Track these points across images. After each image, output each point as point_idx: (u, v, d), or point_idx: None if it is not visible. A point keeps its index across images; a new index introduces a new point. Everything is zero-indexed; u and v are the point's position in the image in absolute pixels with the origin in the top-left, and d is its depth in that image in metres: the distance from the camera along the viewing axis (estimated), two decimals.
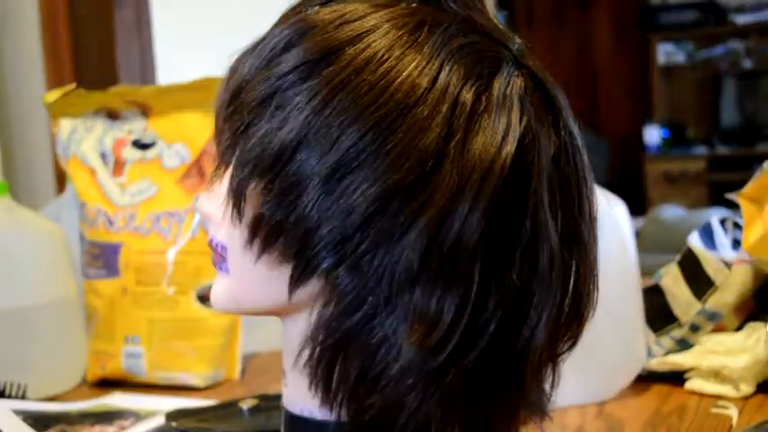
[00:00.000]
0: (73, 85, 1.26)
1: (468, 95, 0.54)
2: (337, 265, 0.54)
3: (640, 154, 5.95)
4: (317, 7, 0.58)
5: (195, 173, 1.21)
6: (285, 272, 0.56)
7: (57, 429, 1.01)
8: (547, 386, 0.60)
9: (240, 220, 0.57)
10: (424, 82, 0.54)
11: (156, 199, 1.20)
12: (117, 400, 1.13)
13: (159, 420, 1.00)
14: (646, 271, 1.17)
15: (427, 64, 0.54)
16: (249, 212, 0.56)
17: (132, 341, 1.19)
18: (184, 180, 1.21)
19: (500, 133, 0.54)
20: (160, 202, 1.20)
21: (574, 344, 0.61)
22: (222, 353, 1.20)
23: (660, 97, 6.04)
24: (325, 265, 0.55)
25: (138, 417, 1.05)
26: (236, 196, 0.57)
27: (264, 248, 0.56)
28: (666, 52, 6.03)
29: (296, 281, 0.56)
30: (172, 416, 0.97)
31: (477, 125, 0.54)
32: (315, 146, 0.53)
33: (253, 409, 0.96)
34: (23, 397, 1.08)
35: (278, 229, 0.55)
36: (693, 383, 1.04)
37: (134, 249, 1.19)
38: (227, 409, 0.98)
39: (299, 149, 0.54)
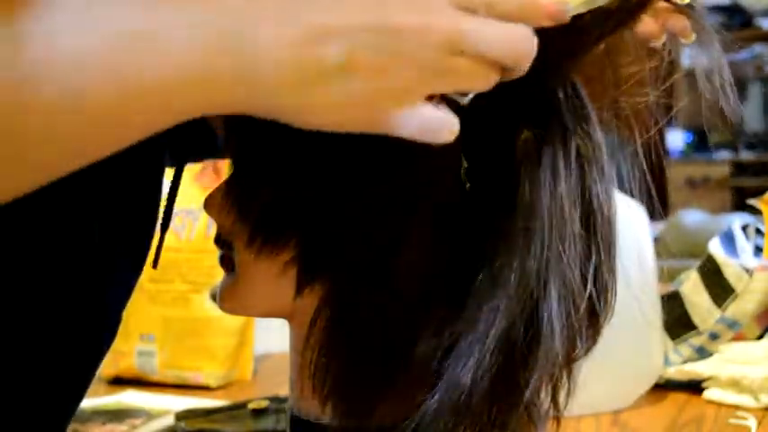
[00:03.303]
0: None
1: None
2: (343, 270, 0.54)
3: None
4: None
5: (212, 170, 1.20)
6: (291, 274, 0.55)
7: (68, 428, 1.01)
8: (562, 394, 0.59)
9: (246, 220, 0.56)
10: None
11: None
12: (130, 398, 1.13)
13: (170, 420, 1.00)
14: (665, 277, 1.15)
15: None
16: (255, 211, 0.56)
17: (147, 339, 1.18)
18: (201, 177, 1.20)
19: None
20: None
21: (589, 349, 0.59)
22: (235, 353, 1.19)
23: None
24: (330, 269, 0.54)
25: (149, 416, 1.05)
26: (243, 195, 0.56)
27: (269, 249, 0.55)
28: (691, 56, 5.98)
29: (301, 284, 0.55)
30: (181, 416, 0.97)
31: None
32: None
33: (262, 411, 0.95)
34: None
35: (284, 231, 0.55)
36: (711, 393, 1.03)
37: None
38: (237, 411, 0.98)
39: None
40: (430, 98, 0.45)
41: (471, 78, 0.45)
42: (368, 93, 0.43)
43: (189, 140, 0.74)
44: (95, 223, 0.61)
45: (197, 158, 0.86)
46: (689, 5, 0.59)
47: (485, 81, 0.46)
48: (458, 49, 0.44)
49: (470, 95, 0.47)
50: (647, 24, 0.58)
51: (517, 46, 0.45)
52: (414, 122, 0.44)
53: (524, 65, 0.46)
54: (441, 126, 0.45)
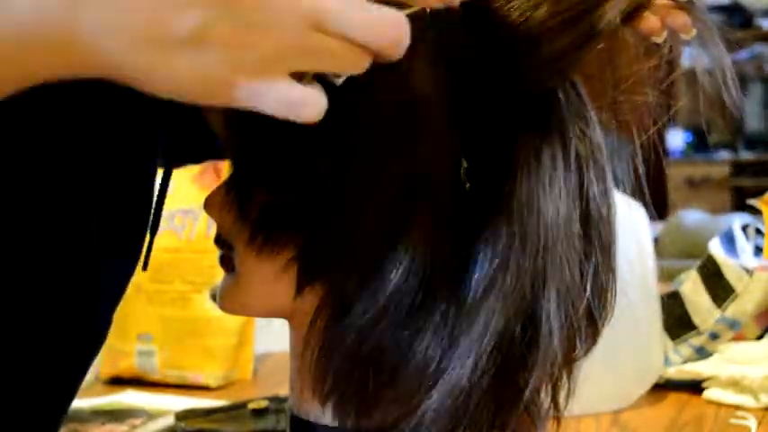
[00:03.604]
0: None
1: None
2: (343, 270, 0.54)
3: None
4: None
5: (212, 170, 1.20)
6: (291, 274, 0.55)
7: (68, 428, 1.01)
8: (562, 394, 0.59)
9: (246, 220, 0.56)
10: None
11: (171, 196, 1.19)
12: (129, 398, 1.13)
13: (169, 420, 1.00)
14: (665, 277, 1.15)
15: None
16: (255, 211, 0.56)
17: (145, 339, 1.19)
18: (201, 177, 1.20)
19: None
20: (175, 200, 1.19)
21: (589, 349, 0.59)
22: (235, 352, 1.19)
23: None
24: (330, 269, 0.54)
25: (149, 416, 1.05)
26: (243, 195, 0.56)
27: (269, 249, 0.55)
28: (691, 55, 5.97)
29: (301, 284, 0.55)
30: (181, 416, 0.97)
31: None
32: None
33: (262, 411, 0.95)
34: None
35: (284, 231, 0.55)
36: (711, 393, 1.03)
37: None
38: (237, 411, 0.98)
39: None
40: (299, 77, 0.43)
41: (338, 60, 0.43)
42: (220, 65, 0.41)
43: (184, 141, 0.74)
44: (92, 222, 0.61)
45: (197, 159, 0.86)
46: (689, 2, 0.59)
47: (353, 64, 0.44)
48: (322, 29, 0.42)
49: (343, 76, 0.46)
50: (647, 20, 0.58)
51: (386, 32, 0.43)
52: (269, 97, 0.42)
53: (395, 52, 0.44)
54: (302, 103, 0.43)
